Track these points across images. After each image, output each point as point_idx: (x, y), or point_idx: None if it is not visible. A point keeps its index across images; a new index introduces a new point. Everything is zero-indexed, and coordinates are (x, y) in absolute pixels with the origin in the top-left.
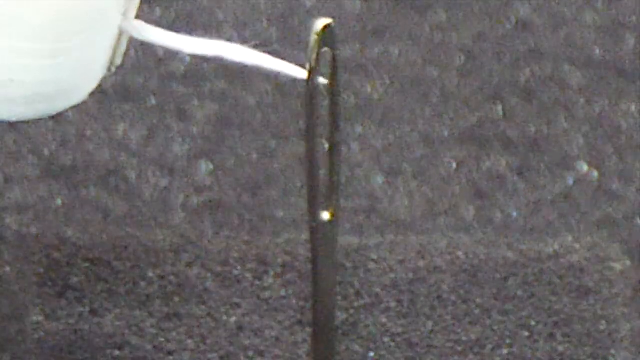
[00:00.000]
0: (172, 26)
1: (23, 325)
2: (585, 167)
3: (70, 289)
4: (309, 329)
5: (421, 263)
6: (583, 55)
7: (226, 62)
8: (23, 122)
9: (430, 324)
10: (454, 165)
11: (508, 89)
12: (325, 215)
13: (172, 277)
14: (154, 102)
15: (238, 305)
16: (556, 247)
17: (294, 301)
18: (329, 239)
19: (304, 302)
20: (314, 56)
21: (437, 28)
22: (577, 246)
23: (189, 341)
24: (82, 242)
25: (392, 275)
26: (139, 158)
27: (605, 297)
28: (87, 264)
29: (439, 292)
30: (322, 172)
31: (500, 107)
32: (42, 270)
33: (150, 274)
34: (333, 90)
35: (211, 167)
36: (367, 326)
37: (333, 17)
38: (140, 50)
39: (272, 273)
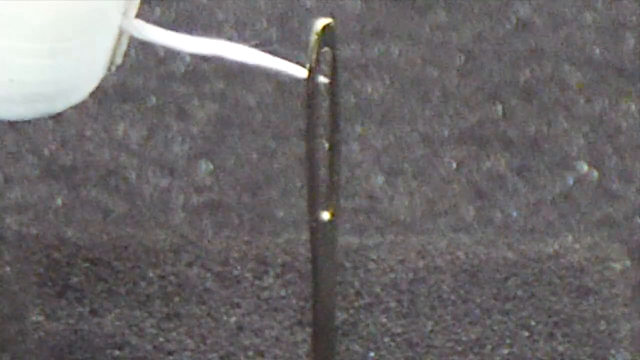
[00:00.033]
0: (172, 26)
1: (23, 325)
2: (585, 167)
3: (70, 289)
4: (309, 329)
5: (421, 263)
6: (583, 55)
7: (226, 62)
8: (23, 122)
9: (430, 324)
10: (454, 165)
11: (508, 89)
12: (325, 215)
13: (172, 277)
14: (154, 102)
15: (238, 305)
16: (556, 247)
17: (294, 301)
18: (329, 239)
19: (304, 302)
20: (314, 56)
21: (437, 28)
22: (577, 246)
23: (189, 341)
24: (82, 242)
25: (392, 275)
26: (139, 158)
27: (605, 297)
28: (87, 264)
29: (439, 292)
30: (322, 172)
31: (500, 107)
32: (42, 270)
33: (150, 274)
34: (333, 90)
35: (211, 167)
36: (367, 326)
37: (333, 17)
38: (140, 50)
39: (272, 273)
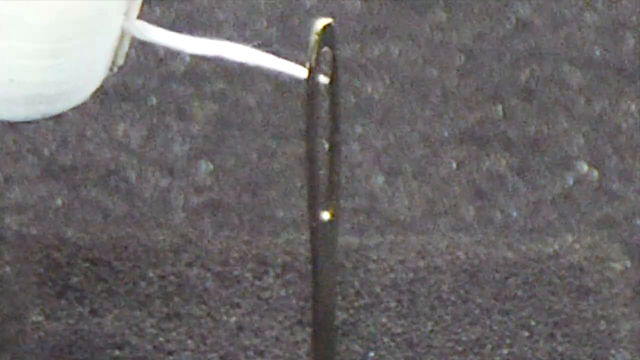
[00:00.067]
0: (172, 26)
1: (23, 325)
2: (585, 167)
3: (70, 289)
4: (309, 329)
5: (421, 263)
6: (583, 55)
7: (226, 62)
8: (23, 122)
9: (430, 324)
10: (454, 165)
11: (508, 89)
12: (325, 215)
13: (172, 277)
14: (154, 102)
15: (238, 305)
16: (556, 247)
17: (294, 301)
18: (329, 239)
19: (304, 302)
20: (314, 56)
21: (437, 28)
22: (577, 246)
23: (189, 341)
24: (82, 242)
25: (392, 275)
26: (139, 158)
27: (605, 297)
28: (87, 264)
29: (439, 292)
30: (322, 172)
31: (500, 107)
32: (42, 270)
33: (150, 274)
34: (333, 90)
35: (211, 167)
36: (367, 326)
37: (333, 17)
38: (140, 50)
39: (272, 273)
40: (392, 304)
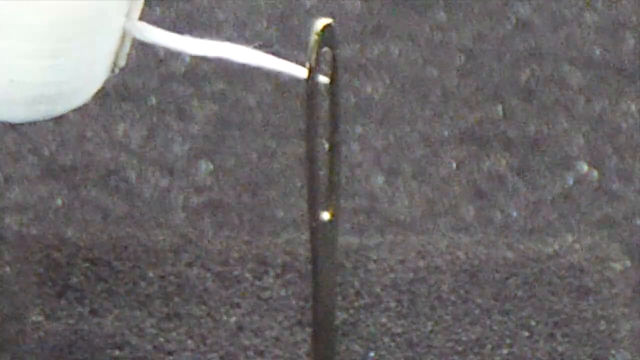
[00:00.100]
0: (172, 26)
1: (23, 325)
2: (585, 167)
3: (70, 289)
4: (309, 329)
5: (421, 263)
6: (583, 55)
7: (226, 62)
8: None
9: (430, 324)
10: (454, 165)
11: (508, 89)
12: (325, 215)
13: (172, 277)
14: (154, 102)
15: (238, 305)
16: (556, 247)
17: (294, 301)
18: (329, 239)
19: (304, 302)
20: (314, 56)
21: (437, 28)
22: (577, 246)
23: (189, 341)
24: (82, 242)
25: (392, 275)
26: (139, 158)
27: (605, 297)
28: (87, 264)
29: (439, 292)
30: (322, 172)
31: (500, 107)
32: (42, 270)
33: (150, 274)
34: (333, 90)
35: (211, 167)
36: (367, 326)
37: (333, 17)
38: (140, 50)
39: (272, 273)
40: (392, 304)
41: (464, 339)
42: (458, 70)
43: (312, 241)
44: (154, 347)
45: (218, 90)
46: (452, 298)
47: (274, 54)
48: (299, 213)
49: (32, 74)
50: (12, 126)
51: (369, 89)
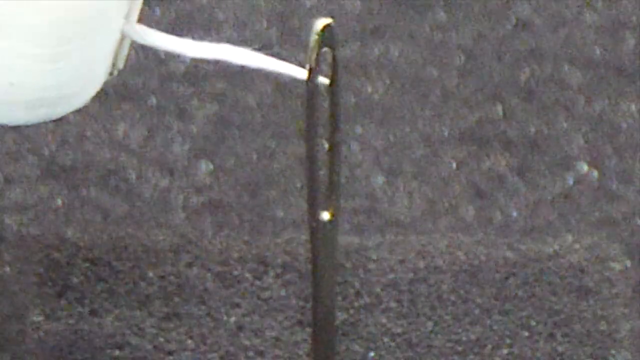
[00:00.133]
0: (172, 26)
1: (23, 325)
2: (585, 167)
3: (70, 289)
4: (309, 329)
5: (421, 263)
6: (583, 55)
7: (226, 63)
8: None
9: (430, 324)
10: (454, 165)
11: (508, 89)
12: (325, 215)
13: (172, 277)
14: (154, 102)
15: (238, 305)
16: (556, 247)
17: (294, 301)
18: (329, 239)
19: (304, 302)
20: (314, 56)
21: (437, 28)
22: (577, 246)
23: (189, 341)
24: (82, 242)
25: (392, 275)
26: (139, 158)
27: (605, 297)
28: (87, 264)
29: (439, 292)
30: (322, 172)
31: (500, 107)
32: (42, 270)
33: (150, 274)
34: (333, 90)
35: (211, 167)
36: (367, 326)
37: (333, 17)
38: (140, 50)
39: (272, 273)
40: (392, 304)
41: (464, 339)
42: (458, 70)
43: (312, 241)
44: (154, 347)
45: (218, 90)
46: (452, 298)
47: (273, 54)
48: (299, 213)
49: (32, 77)
50: (12, 126)
51: (369, 89)
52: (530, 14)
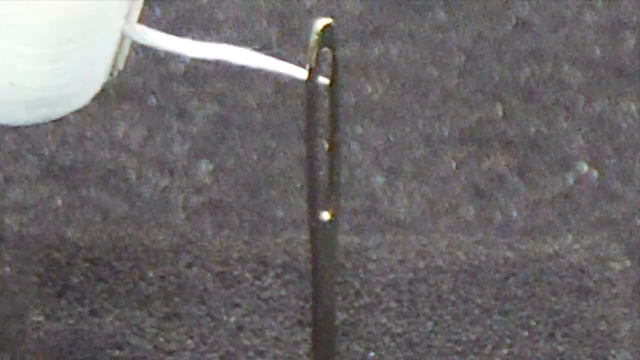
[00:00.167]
0: (172, 26)
1: (23, 325)
2: (585, 167)
3: (70, 289)
4: (309, 329)
5: (421, 263)
6: (583, 55)
7: (226, 63)
8: None
9: (430, 324)
10: (454, 165)
11: (508, 89)
12: (325, 215)
13: (172, 277)
14: (154, 102)
15: (238, 305)
16: (556, 247)
17: (294, 301)
18: (329, 239)
19: (304, 302)
20: (314, 56)
21: (437, 28)
22: (577, 246)
23: (189, 341)
24: (82, 242)
25: (392, 275)
26: (139, 158)
27: (605, 297)
28: (87, 264)
29: (439, 292)
30: (322, 172)
31: (500, 107)
32: (42, 270)
33: (150, 274)
34: (333, 90)
35: (211, 167)
36: (367, 326)
37: (333, 17)
38: (140, 50)
39: (272, 273)
40: (392, 304)
41: (464, 339)
42: (458, 70)
43: (312, 241)
44: (154, 347)
45: (218, 90)
46: (452, 298)
47: (274, 54)
48: (299, 213)
49: (32, 77)
50: (12, 126)
51: (369, 89)
52: (530, 14)
